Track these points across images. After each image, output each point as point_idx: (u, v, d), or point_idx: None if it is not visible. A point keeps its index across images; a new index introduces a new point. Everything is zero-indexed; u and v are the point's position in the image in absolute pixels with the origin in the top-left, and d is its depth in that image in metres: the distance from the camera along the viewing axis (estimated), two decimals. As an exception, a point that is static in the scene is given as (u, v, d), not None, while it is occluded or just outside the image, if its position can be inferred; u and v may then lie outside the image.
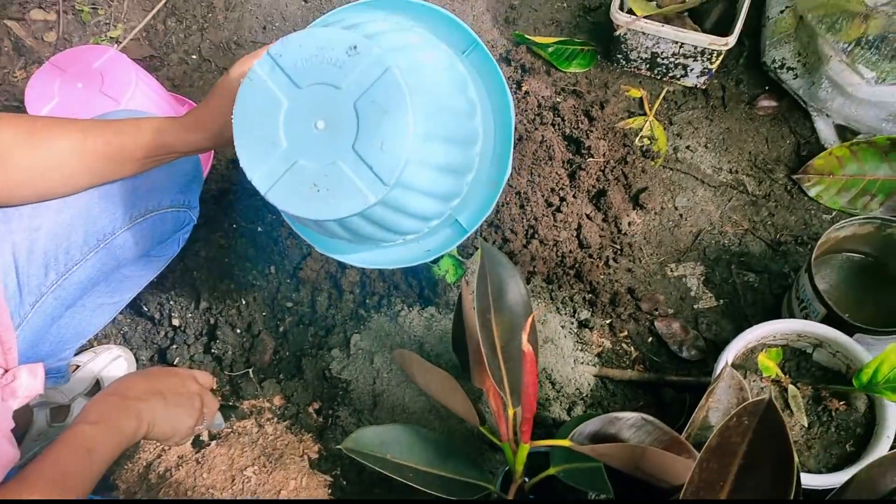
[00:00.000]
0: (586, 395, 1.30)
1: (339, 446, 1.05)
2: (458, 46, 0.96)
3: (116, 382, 0.92)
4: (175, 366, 1.39)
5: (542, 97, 1.54)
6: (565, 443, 0.91)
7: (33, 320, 0.99)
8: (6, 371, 0.93)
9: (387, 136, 0.79)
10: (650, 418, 0.91)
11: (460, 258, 1.29)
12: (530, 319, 0.85)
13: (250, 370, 1.38)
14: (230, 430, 1.33)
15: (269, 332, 1.40)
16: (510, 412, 0.98)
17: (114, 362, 1.38)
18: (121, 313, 1.45)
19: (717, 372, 1.14)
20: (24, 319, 0.98)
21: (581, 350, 1.34)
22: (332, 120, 0.81)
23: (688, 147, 1.56)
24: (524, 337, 0.81)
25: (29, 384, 0.93)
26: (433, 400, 1.24)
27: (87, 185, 0.95)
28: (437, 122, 0.84)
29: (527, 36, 1.68)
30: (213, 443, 1.31)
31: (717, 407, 1.02)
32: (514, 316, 1.03)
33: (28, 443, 1.28)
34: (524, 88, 1.55)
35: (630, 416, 0.91)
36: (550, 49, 1.67)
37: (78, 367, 1.36)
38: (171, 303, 1.42)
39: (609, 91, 1.64)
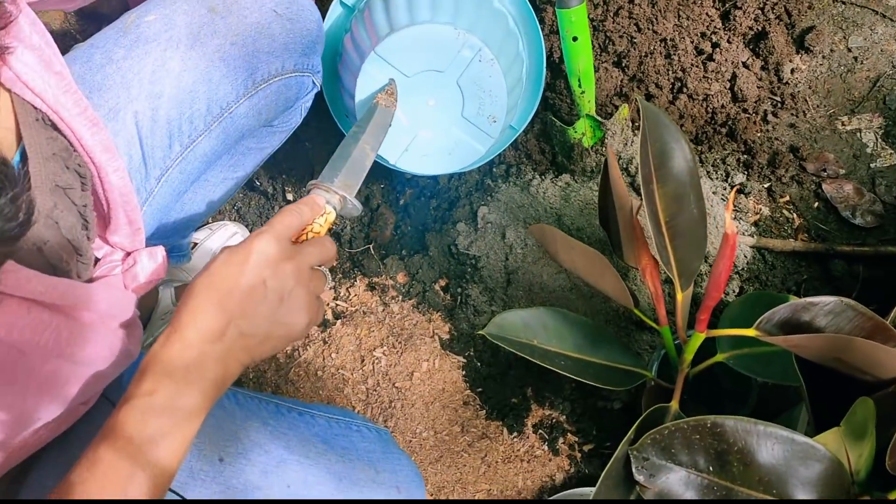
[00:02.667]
0: (742, 269, 1.17)
1: (481, 332, 0.97)
2: None
3: (184, 314, 0.62)
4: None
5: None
6: (750, 332, 0.79)
7: (160, 195, 0.93)
8: (127, 255, 0.87)
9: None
10: (852, 302, 0.78)
11: (599, 119, 1.14)
12: (732, 195, 0.71)
13: (371, 246, 1.30)
14: (354, 308, 1.28)
15: (388, 206, 1.31)
16: (679, 296, 0.87)
17: (231, 239, 1.32)
18: (234, 189, 1.38)
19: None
20: (151, 194, 0.92)
21: (736, 218, 1.20)
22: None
23: (864, -25, 1.31)
24: (727, 216, 0.68)
25: (150, 267, 0.87)
26: (578, 279, 1.14)
27: None
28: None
29: None
30: (339, 322, 1.26)
31: (923, 286, 0.87)
32: (679, 185, 0.90)
33: (155, 321, 1.26)
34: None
35: (828, 300, 0.78)
36: None
37: (196, 244, 1.31)
38: (284, 176, 1.34)
39: (766, -89, 1.38)
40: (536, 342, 0.95)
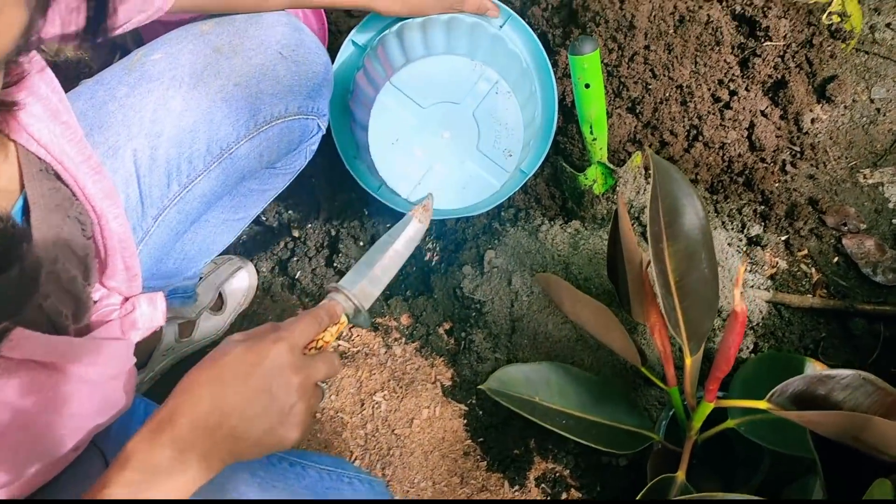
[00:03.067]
0: (757, 325, 1.13)
1: (481, 387, 0.94)
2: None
3: (182, 404, 0.61)
4: (297, 281, 1.30)
5: (707, -33, 1.29)
6: (762, 405, 0.75)
7: (156, 235, 0.92)
8: (126, 300, 0.86)
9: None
10: (871, 377, 0.74)
11: (611, 166, 1.11)
12: (742, 270, 0.68)
13: (375, 287, 1.27)
14: (357, 349, 1.25)
15: (394, 246, 1.28)
16: (688, 361, 0.83)
17: (235, 274, 1.30)
18: (239, 223, 1.36)
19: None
20: (147, 234, 0.90)
21: (751, 272, 1.16)
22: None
23: (888, 25, 1.28)
24: (736, 294, 0.64)
25: (149, 314, 0.86)
26: (582, 328, 1.10)
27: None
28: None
29: None
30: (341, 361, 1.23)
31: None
32: (690, 244, 0.86)
33: (156, 357, 1.24)
34: (685, -43, 1.30)
35: (845, 374, 0.74)
36: None
37: (200, 278, 1.29)
38: (290, 212, 1.32)
39: (789, -44, 1.36)
40: (538, 399, 0.92)
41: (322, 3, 0.98)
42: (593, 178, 1.14)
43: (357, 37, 1.15)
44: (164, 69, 0.87)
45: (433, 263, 1.26)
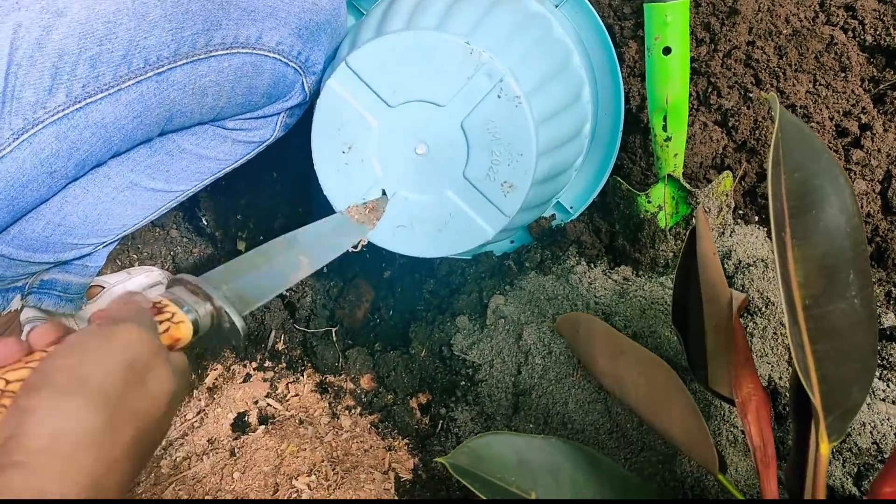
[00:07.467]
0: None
1: (439, 459, 0.55)
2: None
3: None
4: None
5: (827, -8, 0.99)
6: None
7: (13, 161, 0.61)
8: None
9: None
10: None
11: (687, 185, 0.76)
12: None
13: (334, 330, 0.92)
14: (290, 414, 0.88)
15: (367, 279, 0.94)
16: (824, 447, 0.44)
17: (151, 291, 0.96)
18: (175, 227, 1.03)
19: None
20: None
21: (884, 380, 0.77)
22: (434, 143, 0.72)
23: None
24: None
25: None
26: (623, 410, 0.72)
27: None
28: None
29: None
30: (262, 428, 0.86)
31: None
32: (831, 251, 0.50)
33: None
34: (798, -21, 1.01)
35: None
36: (840, -64, 1.11)
37: (102, 289, 0.95)
38: (238, 218, 0.99)
39: (934, -2, 1.06)
40: (535, 495, 0.53)
41: None
42: (659, 203, 0.79)
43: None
44: None
45: (418, 308, 0.91)
